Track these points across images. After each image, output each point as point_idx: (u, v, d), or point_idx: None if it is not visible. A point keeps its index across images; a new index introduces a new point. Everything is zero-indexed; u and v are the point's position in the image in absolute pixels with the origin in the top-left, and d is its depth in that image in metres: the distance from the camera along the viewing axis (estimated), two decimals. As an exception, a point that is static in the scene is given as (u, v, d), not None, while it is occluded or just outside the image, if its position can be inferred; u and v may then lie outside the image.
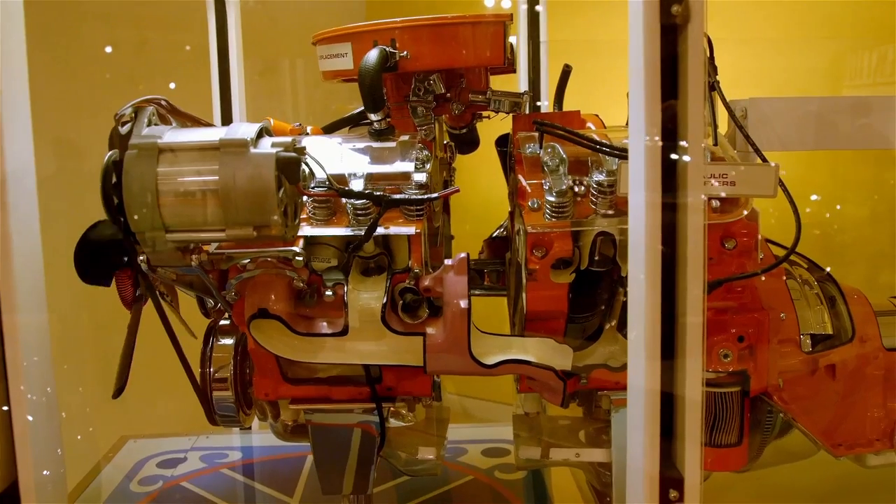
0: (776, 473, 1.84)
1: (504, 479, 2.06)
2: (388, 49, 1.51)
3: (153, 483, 2.08)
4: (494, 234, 1.81)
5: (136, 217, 1.29)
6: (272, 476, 2.12)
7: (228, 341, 1.61)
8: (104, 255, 1.46)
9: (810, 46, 2.62)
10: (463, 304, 1.41)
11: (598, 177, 1.42)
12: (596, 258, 1.44)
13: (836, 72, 2.64)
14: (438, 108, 1.63)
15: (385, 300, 1.43)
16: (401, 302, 1.45)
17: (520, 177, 1.51)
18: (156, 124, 1.36)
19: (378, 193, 1.43)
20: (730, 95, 1.68)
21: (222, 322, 1.65)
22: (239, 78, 2.45)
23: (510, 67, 1.68)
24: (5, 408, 1.18)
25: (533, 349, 1.45)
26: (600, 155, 1.46)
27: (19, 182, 1.17)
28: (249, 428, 2.41)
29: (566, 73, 1.74)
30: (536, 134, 1.55)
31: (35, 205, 1.22)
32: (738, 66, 2.61)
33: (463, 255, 1.44)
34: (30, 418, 1.19)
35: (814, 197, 2.77)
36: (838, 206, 2.80)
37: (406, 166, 1.49)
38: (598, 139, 1.47)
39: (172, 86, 2.72)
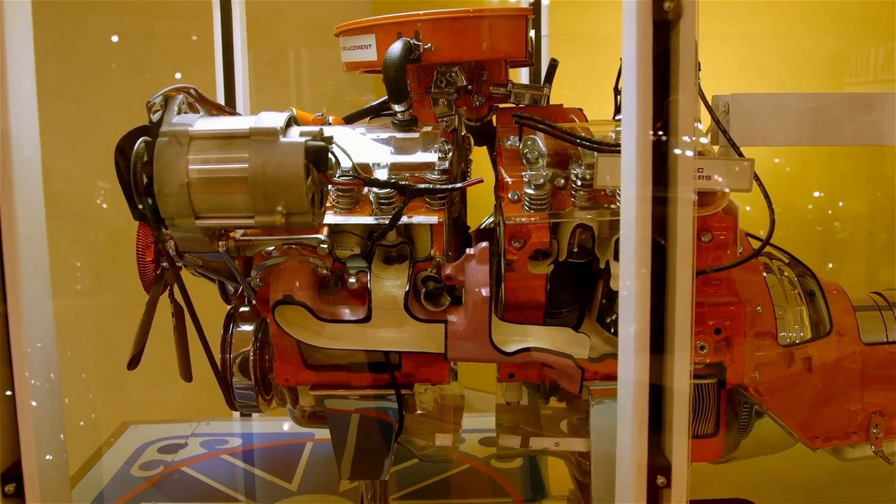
0: (765, 467, 1.86)
1: (501, 467, 2.08)
2: (412, 41, 1.53)
3: (154, 468, 2.11)
4: (482, 226, 1.82)
5: (166, 203, 1.31)
6: (271, 462, 2.15)
7: (248, 328, 1.63)
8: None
9: (812, 42, 2.62)
10: (484, 292, 1.43)
11: (577, 170, 1.43)
12: (574, 250, 1.46)
13: (837, 68, 2.65)
14: (458, 100, 1.64)
15: (408, 288, 1.46)
16: (423, 290, 1.47)
17: (500, 169, 1.52)
18: (185, 112, 1.38)
19: (403, 183, 1.46)
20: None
21: (242, 309, 1.67)
22: (243, 69, 2.46)
23: (529, 60, 1.70)
24: (9, 393, 1.20)
25: (551, 338, 1.47)
26: (580, 148, 1.48)
27: (25, 169, 1.19)
28: (249, 415, 2.44)
29: (553, 67, 1.75)
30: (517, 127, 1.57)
31: (40, 192, 1.24)
32: (742, 60, 2.63)
33: (484, 244, 1.45)
34: (33, 403, 1.21)
35: (816, 193, 2.79)
36: (841, 203, 2.81)
37: (429, 157, 1.51)
38: (575, 132, 1.48)
39: (178, 75, 2.74)
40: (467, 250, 1.46)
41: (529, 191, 1.44)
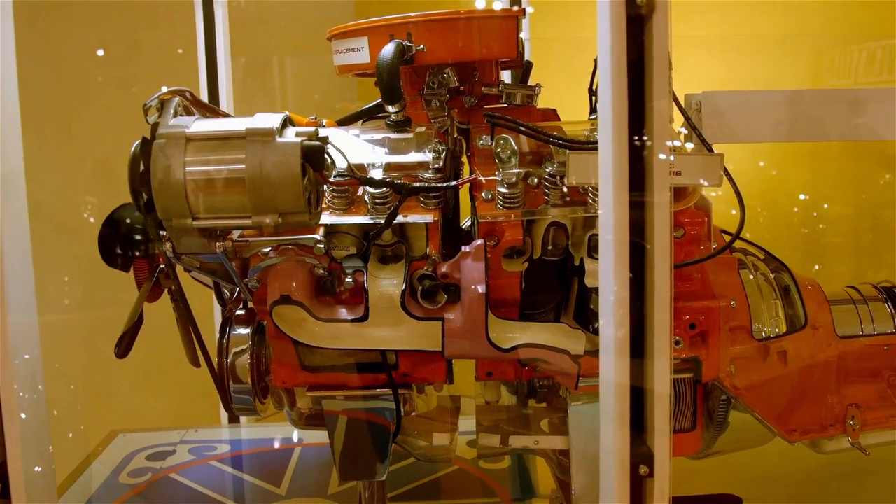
0: (752, 463, 1.87)
1: (489, 468, 2.09)
2: (404, 43, 1.54)
3: (142, 475, 2.11)
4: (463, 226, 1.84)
5: (163, 204, 1.32)
6: (260, 468, 2.15)
7: (244, 331, 1.63)
8: (128, 241, 1.50)
9: (794, 41, 2.65)
10: (480, 289, 1.43)
11: (550, 168, 1.44)
12: (549, 248, 1.47)
13: (819, 68, 2.67)
14: (450, 101, 1.65)
15: (404, 287, 1.46)
16: (420, 288, 1.48)
17: (474, 169, 1.54)
18: (181, 115, 1.39)
19: (398, 182, 1.46)
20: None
21: (238, 312, 1.66)
22: (227, 77, 2.46)
23: (520, 62, 1.71)
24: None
25: (547, 334, 1.47)
26: (553, 147, 1.48)
27: (9, 183, 1.20)
28: (238, 421, 2.44)
29: (527, 69, 1.77)
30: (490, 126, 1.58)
31: (25, 205, 1.24)
32: (726, 60, 2.65)
33: (479, 241, 1.46)
34: (22, 416, 1.21)
35: (802, 196, 2.81)
36: (826, 206, 2.83)
37: (423, 156, 1.51)
38: (546, 131, 1.49)
39: (164, 89, 2.74)
40: (462, 248, 1.47)
41: (502, 189, 1.45)
